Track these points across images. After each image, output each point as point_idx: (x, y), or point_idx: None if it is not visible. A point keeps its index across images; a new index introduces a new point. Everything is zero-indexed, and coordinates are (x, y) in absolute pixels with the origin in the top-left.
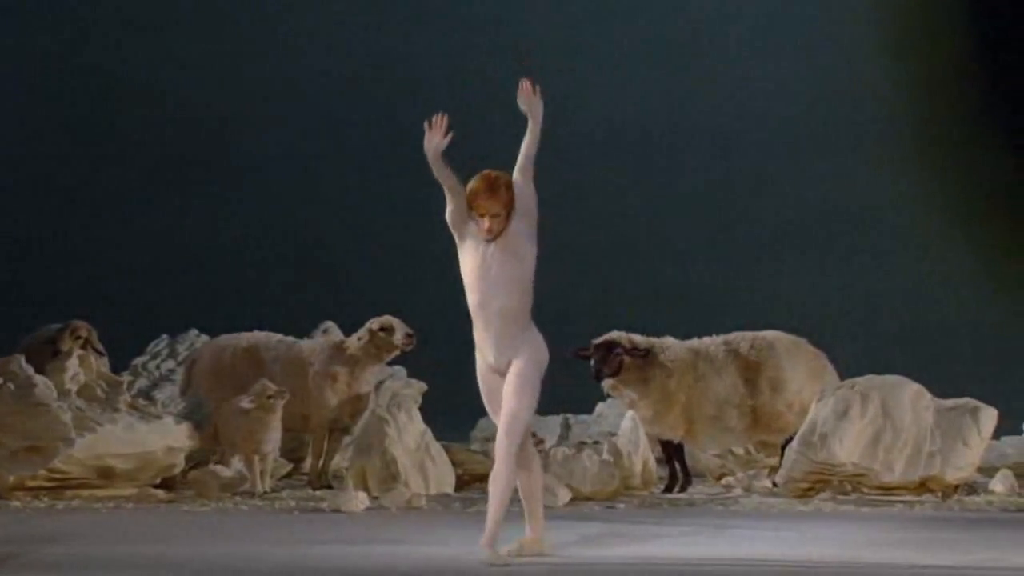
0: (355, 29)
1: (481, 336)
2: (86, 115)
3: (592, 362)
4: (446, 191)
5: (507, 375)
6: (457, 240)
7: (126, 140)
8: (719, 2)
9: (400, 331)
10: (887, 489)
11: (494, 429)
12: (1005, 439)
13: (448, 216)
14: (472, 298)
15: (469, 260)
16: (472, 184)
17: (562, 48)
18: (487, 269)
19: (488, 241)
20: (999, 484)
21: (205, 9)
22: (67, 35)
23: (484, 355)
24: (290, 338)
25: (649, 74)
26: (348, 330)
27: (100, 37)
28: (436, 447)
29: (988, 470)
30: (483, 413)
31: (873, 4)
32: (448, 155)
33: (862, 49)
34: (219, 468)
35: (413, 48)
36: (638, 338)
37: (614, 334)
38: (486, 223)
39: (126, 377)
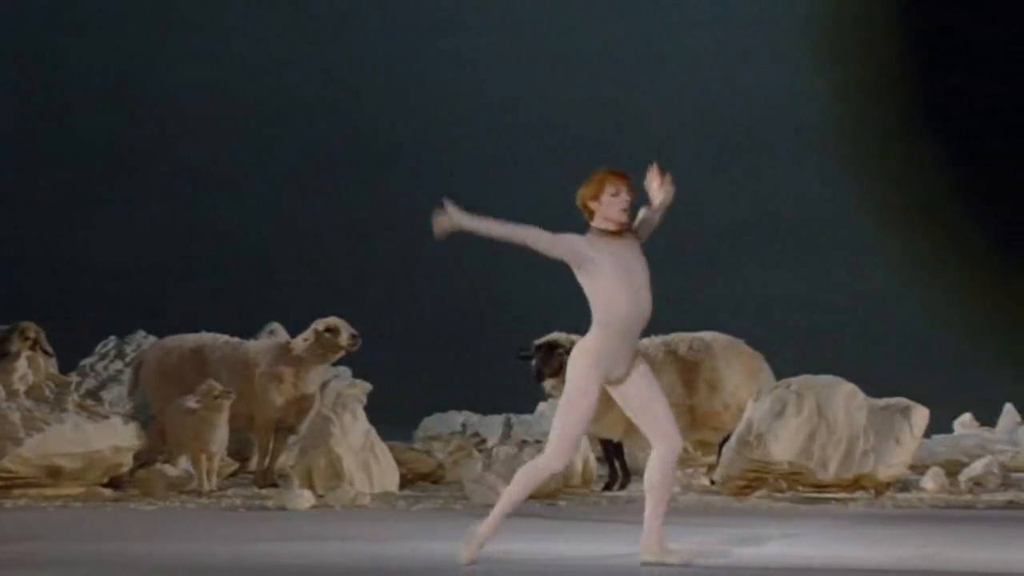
0: (307, 39)
1: (617, 347)
2: (36, 116)
3: (533, 362)
4: (551, 246)
5: (641, 377)
6: (583, 266)
7: (75, 142)
8: (659, 13)
9: (345, 332)
10: (822, 486)
11: (437, 429)
12: (936, 437)
13: (567, 254)
14: (625, 309)
15: (611, 273)
16: (608, 174)
17: (507, 55)
18: (633, 273)
19: (621, 250)
20: (930, 481)
21: (162, 12)
22: (17, 36)
23: (609, 367)
24: (236, 339)
25: (593, 83)
26: (294, 331)
27: (51, 37)
28: (380, 446)
29: (919, 468)
30: (426, 412)
31: (809, 14)
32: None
33: (799, 58)
34: (166, 467)
35: (366, 57)
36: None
37: (555, 335)
38: (627, 201)
39: (74, 377)
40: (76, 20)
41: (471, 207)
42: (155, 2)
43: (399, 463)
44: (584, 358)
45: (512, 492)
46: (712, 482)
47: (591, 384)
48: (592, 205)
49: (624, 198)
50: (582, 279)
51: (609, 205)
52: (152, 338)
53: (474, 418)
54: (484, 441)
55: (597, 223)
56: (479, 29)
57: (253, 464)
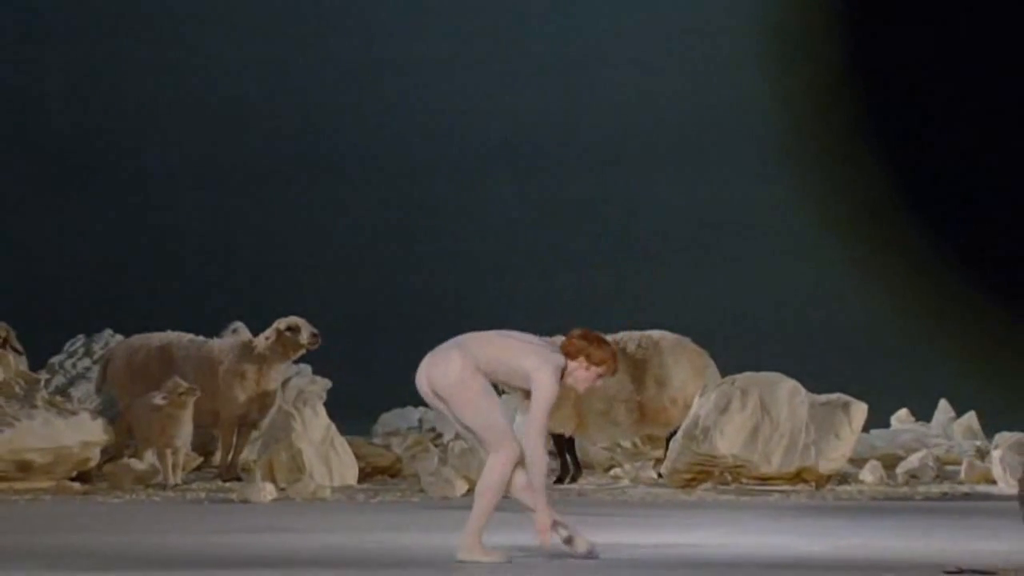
0: (265, 44)
1: None
2: (5, 117)
3: None
4: (549, 406)
5: None
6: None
7: (42, 141)
8: (601, 17)
9: (306, 331)
10: (765, 479)
11: (395, 424)
12: (874, 432)
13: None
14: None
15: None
16: (614, 360)
17: (451, 63)
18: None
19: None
20: (868, 474)
21: (123, 19)
22: None
23: None
24: (201, 338)
25: (535, 88)
26: (256, 330)
27: (14, 40)
28: (340, 441)
29: (858, 461)
30: (385, 408)
31: (750, 20)
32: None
33: (740, 63)
34: (133, 461)
35: (314, 63)
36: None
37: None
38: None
39: (44, 375)
40: (40, 25)
41: (423, 208)
42: (116, 9)
43: (358, 457)
44: (458, 367)
45: (484, 504)
46: (659, 475)
47: (471, 373)
48: (583, 364)
49: (602, 384)
50: (519, 375)
51: (591, 382)
52: (119, 336)
53: (431, 414)
54: (440, 436)
55: (568, 374)
56: (427, 35)
57: (217, 458)
